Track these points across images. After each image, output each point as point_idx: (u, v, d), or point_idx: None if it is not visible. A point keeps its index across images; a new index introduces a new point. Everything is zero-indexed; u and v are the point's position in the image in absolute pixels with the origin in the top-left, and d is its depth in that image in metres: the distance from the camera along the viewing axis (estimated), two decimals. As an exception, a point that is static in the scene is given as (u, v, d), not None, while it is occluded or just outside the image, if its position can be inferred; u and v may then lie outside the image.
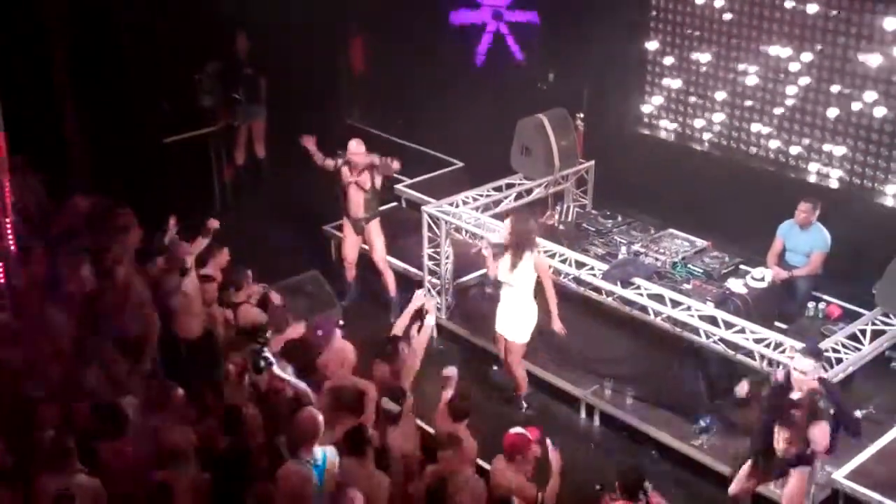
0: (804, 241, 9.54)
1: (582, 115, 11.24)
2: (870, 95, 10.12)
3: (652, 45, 11.83)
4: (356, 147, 10.47)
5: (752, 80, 11.05)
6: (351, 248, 10.80)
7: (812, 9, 10.30)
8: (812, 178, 10.82)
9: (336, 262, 11.30)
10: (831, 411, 7.14)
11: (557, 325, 8.88)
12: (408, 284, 10.66)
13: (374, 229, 10.64)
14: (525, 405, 9.28)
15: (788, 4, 10.46)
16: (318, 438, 6.75)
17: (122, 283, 8.82)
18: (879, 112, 10.11)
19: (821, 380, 7.29)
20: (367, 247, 10.77)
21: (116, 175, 10.97)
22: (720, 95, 11.40)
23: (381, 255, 10.69)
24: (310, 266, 10.51)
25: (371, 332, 9.52)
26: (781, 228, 9.68)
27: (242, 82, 12.98)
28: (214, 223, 9.18)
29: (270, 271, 9.87)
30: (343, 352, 8.17)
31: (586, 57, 11.70)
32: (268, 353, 7.76)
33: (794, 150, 10.90)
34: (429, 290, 10.31)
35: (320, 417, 6.80)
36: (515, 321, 9.00)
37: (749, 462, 7.58)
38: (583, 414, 9.24)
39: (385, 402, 7.46)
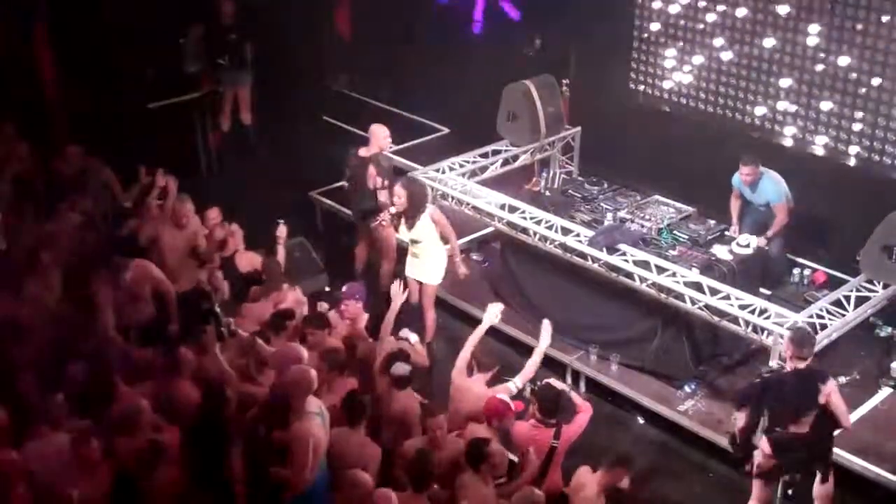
0: (759, 197, 9.74)
1: (568, 82, 11.11)
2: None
3: (639, 11, 11.67)
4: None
5: (741, 45, 10.92)
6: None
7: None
8: (788, 143, 10.75)
9: (323, 229, 11.21)
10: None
11: (462, 270, 9.42)
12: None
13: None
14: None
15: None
16: (312, 391, 6.68)
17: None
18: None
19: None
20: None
21: (101, 142, 10.81)
22: (706, 61, 11.27)
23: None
24: (297, 232, 10.40)
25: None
26: (735, 182, 9.85)
27: (227, 48, 12.78)
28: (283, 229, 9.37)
29: (257, 237, 9.76)
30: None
31: (573, 22, 11.55)
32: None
33: (778, 115, 10.81)
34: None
35: (312, 372, 6.73)
36: (428, 266, 9.37)
37: None
38: (568, 380, 9.18)
39: (396, 367, 7.40)
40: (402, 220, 9.23)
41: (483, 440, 6.71)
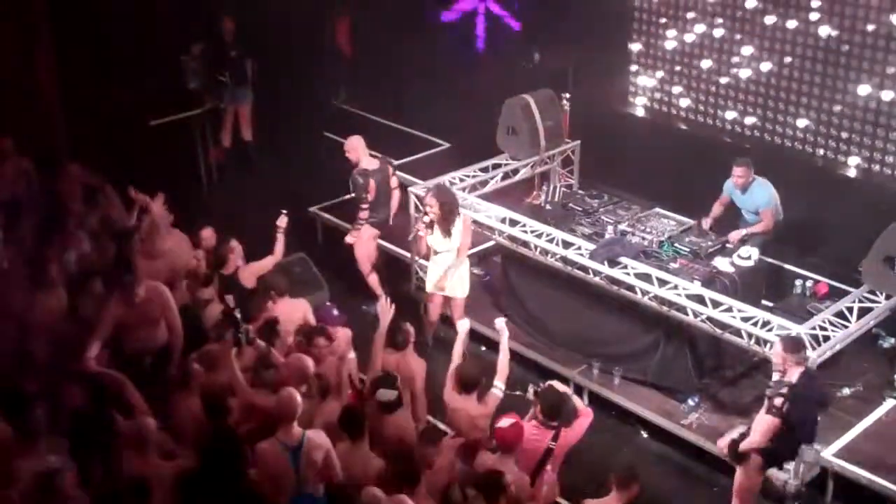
0: (749, 201, 9.76)
1: (568, 96, 11.10)
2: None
3: (636, 25, 11.68)
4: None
5: (740, 59, 10.93)
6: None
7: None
8: (787, 153, 10.75)
9: (323, 245, 11.19)
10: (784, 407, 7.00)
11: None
12: (396, 266, 10.55)
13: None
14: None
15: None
16: (295, 418, 6.64)
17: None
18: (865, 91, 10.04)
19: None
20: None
21: (102, 158, 10.79)
22: (705, 74, 11.27)
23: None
24: (297, 248, 10.38)
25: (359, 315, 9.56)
26: (727, 187, 9.85)
27: (229, 65, 12.81)
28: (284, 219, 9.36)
29: (257, 253, 9.73)
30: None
31: (572, 37, 11.56)
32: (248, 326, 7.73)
33: (770, 125, 10.84)
34: (417, 278, 10.21)
35: (298, 398, 6.70)
36: (457, 279, 9.39)
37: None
38: (571, 390, 9.12)
39: (381, 394, 7.27)
40: (433, 231, 9.27)
41: (497, 474, 6.50)
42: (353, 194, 10.28)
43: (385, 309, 7.93)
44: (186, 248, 9.44)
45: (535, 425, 7.11)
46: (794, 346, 7.21)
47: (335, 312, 9.57)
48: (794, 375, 7.07)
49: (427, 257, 9.67)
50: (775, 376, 7.20)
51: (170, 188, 9.88)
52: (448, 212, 9.21)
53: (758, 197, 9.70)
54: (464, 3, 13.84)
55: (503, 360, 7.68)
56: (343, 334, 8.24)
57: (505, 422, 6.89)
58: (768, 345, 7.70)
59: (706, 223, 9.67)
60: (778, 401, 6.98)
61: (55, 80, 12.18)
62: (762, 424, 7.07)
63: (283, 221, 9.39)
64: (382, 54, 14.18)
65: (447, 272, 9.41)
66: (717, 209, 9.95)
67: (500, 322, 7.96)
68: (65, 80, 12.12)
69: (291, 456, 6.56)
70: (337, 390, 7.50)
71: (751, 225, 9.72)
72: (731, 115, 11.22)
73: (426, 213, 9.30)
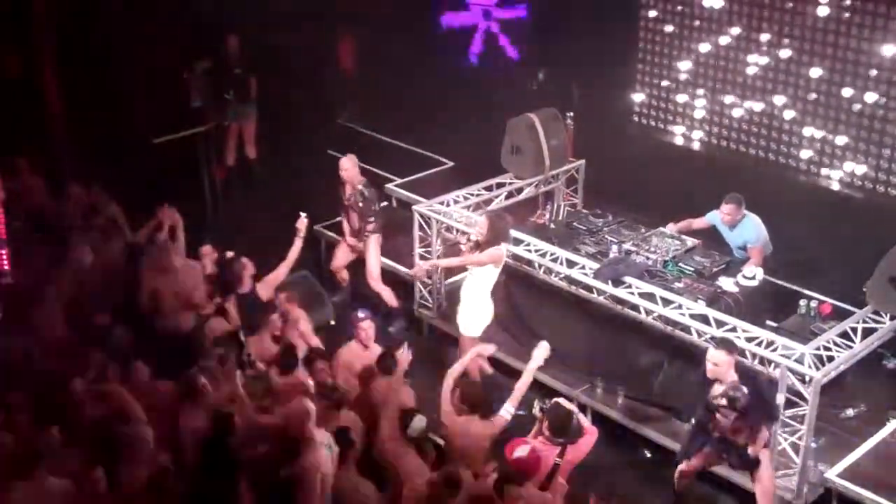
0: (737, 238, 9.54)
1: (572, 115, 11.13)
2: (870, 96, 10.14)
3: (641, 43, 11.74)
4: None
5: (748, 74, 10.98)
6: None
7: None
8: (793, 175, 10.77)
9: (328, 262, 11.22)
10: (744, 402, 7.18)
11: (428, 264, 9.62)
12: (399, 284, 10.57)
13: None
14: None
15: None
16: (310, 422, 6.74)
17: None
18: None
19: (736, 368, 7.37)
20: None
21: (106, 176, 10.82)
22: (710, 92, 11.31)
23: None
24: (301, 266, 10.38)
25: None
26: (712, 217, 9.60)
27: (232, 82, 12.84)
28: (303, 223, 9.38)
29: (261, 271, 9.74)
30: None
31: (576, 56, 11.60)
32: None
33: (783, 146, 10.85)
34: (421, 291, 10.24)
35: (311, 404, 6.81)
36: (466, 312, 9.10)
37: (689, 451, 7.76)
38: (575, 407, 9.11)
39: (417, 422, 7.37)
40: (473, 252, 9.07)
41: None
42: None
43: (406, 358, 8.01)
44: (194, 273, 9.45)
45: (541, 441, 7.14)
46: (729, 346, 7.45)
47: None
48: (732, 375, 7.31)
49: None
50: (717, 388, 7.32)
51: (173, 206, 9.92)
52: (494, 238, 8.91)
53: (746, 233, 9.46)
54: (464, 17, 13.88)
55: (522, 384, 7.67)
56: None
57: (522, 449, 6.93)
58: (772, 364, 7.70)
59: (670, 228, 9.53)
60: (742, 402, 7.14)
61: (58, 98, 12.25)
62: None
63: (302, 224, 9.37)
64: (386, 72, 14.21)
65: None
66: (684, 226, 9.63)
67: (544, 347, 7.89)
68: (68, 97, 12.17)
69: None
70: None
71: (737, 259, 9.45)
72: (739, 134, 11.20)
73: (469, 235, 9.28)
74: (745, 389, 7.21)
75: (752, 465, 7.47)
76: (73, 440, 6.94)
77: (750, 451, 7.35)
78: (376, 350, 8.44)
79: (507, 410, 7.51)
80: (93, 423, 7.14)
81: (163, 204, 9.88)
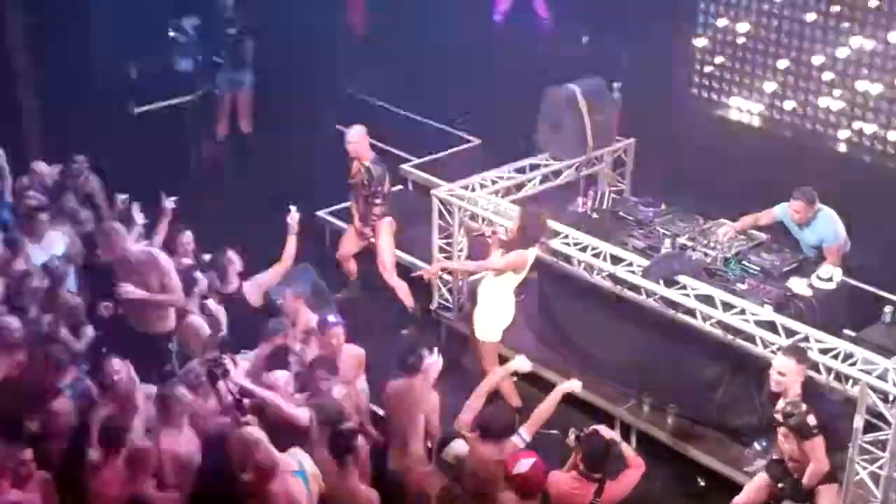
0: (810, 236, 9.47)
1: (620, 86, 11.11)
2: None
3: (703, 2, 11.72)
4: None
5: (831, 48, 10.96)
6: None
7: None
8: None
9: (331, 251, 11.29)
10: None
11: (436, 266, 9.75)
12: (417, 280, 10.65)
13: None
14: None
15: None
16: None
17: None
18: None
19: (804, 386, 7.38)
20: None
21: (81, 152, 10.90)
22: (784, 63, 11.25)
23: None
24: (302, 256, 10.43)
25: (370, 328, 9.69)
26: (781, 212, 9.49)
27: (226, 43, 12.90)
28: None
29: (258, 262, 9.80)
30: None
31: (627, 15, 11.59)
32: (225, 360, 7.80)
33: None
34: (440, 290, 10.28)
35: (256, 434, 6.90)
36: (483, 314, 9.21)
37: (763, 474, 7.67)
38: (617, 433, 9.12)
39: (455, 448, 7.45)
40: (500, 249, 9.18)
41: None
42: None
43: (437, 366, 8.02)
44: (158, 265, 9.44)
45: (575, 477, 7.10)
46: (804, 353, 7.47)
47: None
48: (797, 389, 7.35)
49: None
50: (781, 403, 7.34)
51: (154, 187, 9.97)
52: (522, 240, 9.00)
53: (822, 231, 9.39)
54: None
55: (543, 411, 7.62)
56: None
57: (524, 463, 6.90)
58: (850, 381, 7.67)
59: (729, 231, 9.40)
60: (811, 420, 7.08)
61: (26, 60, 12.32)
62: (816, 451, 7.17)
63: (293, 218, 9.42)
64: (401, 36, 14.24)
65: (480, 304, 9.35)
66: (748, 222, 9.55)
67: (576, 384, 7.91)
68: (38, 58, 12.23)
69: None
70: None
71: (812, 258, 9.41)
72: (823, 104, 11.10)
73: (495, 227, 9.39)
74: (804, 407, 7.15)
75: (804, 499, 7.42)
76: None
77: (804, 481, 7.29)
78: (353, 350, 8.47)
79: (522, 437, 7.41)
80: None
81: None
